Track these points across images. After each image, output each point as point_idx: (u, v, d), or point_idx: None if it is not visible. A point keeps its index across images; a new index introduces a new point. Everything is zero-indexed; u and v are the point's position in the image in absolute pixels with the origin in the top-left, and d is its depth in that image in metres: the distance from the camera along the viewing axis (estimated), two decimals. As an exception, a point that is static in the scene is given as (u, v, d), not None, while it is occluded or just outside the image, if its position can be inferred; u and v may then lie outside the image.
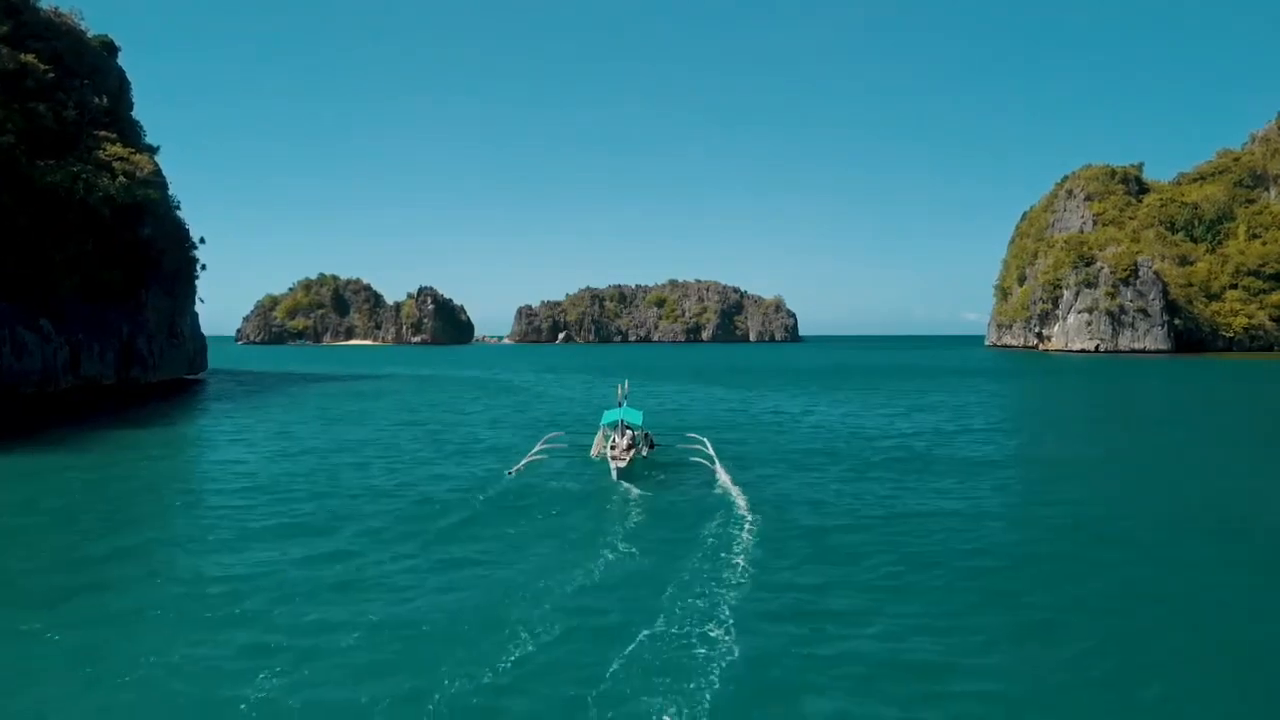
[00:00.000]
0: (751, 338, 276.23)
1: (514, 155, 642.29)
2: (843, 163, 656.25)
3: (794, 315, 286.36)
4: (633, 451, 21.70)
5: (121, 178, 47.02)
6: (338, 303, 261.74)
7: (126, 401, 41.55)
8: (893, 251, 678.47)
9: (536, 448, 24.12)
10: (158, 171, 53.34)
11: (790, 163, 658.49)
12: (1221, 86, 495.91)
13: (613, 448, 21.86)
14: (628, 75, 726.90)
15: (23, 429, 29.55)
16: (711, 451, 23.51)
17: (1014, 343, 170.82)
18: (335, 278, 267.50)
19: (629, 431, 22.84)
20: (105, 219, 47.17)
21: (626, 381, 27.34)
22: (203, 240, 58.52)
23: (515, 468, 21.65)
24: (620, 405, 23.90)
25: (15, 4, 48.75)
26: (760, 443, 27.66)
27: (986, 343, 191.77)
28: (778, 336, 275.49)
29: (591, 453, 23.61)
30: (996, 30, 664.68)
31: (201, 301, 59.93)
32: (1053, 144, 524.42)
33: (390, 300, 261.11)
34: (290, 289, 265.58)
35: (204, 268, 58.64)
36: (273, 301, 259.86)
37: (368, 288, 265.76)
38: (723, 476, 20.51)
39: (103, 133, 51.16)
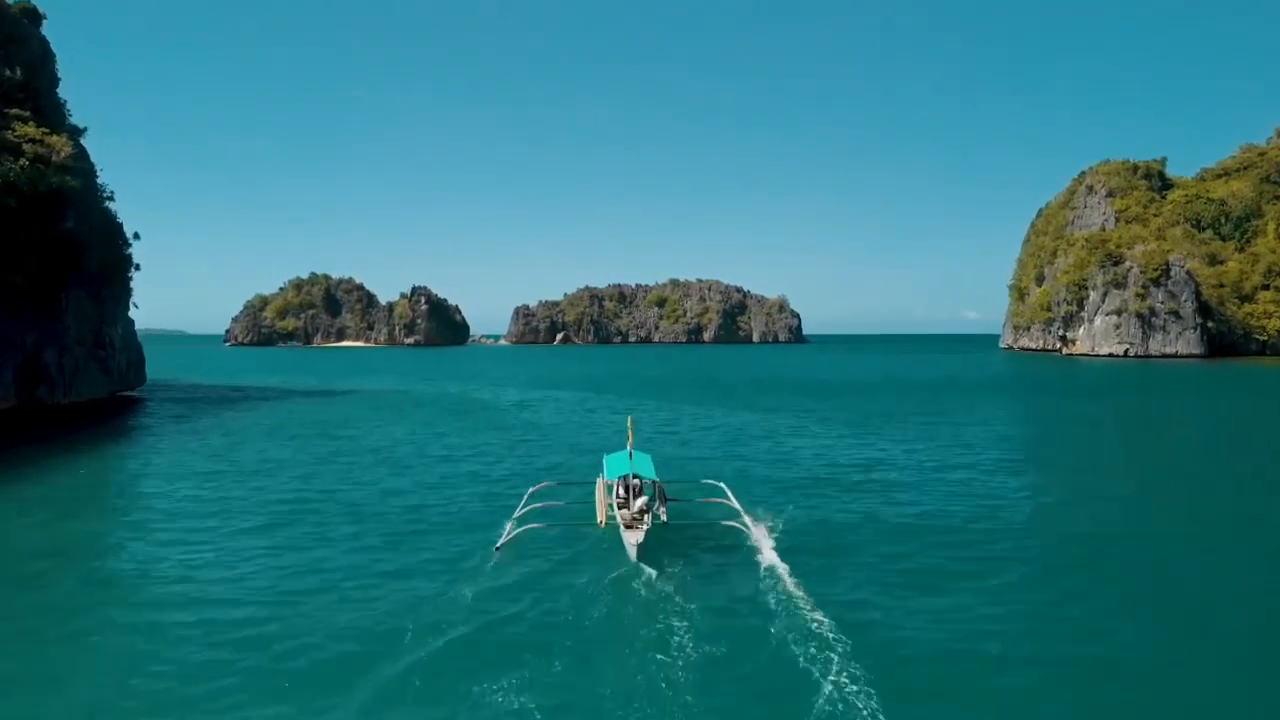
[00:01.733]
0: (755, 339, 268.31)
1: (513, 154, 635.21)
2: (844, 162, 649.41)
3: (798, 316, 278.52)
4: (649, 516, 17.41)
5: (25, 160, 39.37)
6: (329, 303, 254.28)
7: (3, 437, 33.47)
8: (894, 251, 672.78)
9: (522, 507, 19.96)
10: (81, 156, 45.68)
11: (792, 162, 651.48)
12: (1223, 84, 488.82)
13: (621, 507, 18.07)
14: (628, 75, 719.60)
15: None
16: (736, 505, 19.61)
17: (1033, 345, 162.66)
18: (327, 277, 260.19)
19: (639, 487, 18.77)
20: (12, 209, 39.68)
21: (631, 418, 22.88)
22: (137, 236, 50.97)
23: (501, 541, 17.36)
24: (629, 452, 19.81)
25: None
26: (855, 554, 16.97)
27: (1002, 345, 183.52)
28: (781, 338, 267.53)
29: (598, 518, 18.78)
30: (996, 30, 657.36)
31: (135, 307, 52.17)
32: (1054, 142, 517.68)
33: (384, 300, 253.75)
34: (281, 288, 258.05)
35: (138, 267, 51.00)
36: (262, 302, 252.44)
37: (360, 287, 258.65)
38: (765, 550, 16.71)
39: (14, 110, 43.57)
